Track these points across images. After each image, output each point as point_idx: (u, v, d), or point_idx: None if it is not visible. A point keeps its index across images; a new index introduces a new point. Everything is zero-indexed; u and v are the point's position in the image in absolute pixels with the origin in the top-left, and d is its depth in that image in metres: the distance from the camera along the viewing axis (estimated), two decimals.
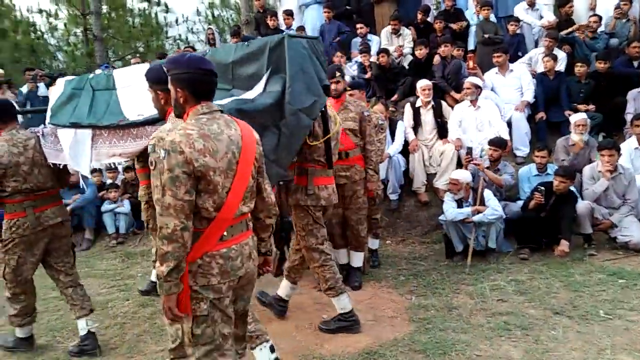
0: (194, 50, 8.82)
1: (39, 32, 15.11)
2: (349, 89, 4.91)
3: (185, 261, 1.98)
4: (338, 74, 4.25)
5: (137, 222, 6.56)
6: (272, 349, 2.85)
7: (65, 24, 15.26)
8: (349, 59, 7.76)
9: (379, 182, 4.73)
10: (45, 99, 6.23)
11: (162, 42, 16.19)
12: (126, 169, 6.80)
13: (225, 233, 2.09)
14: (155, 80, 2.68)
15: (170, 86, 2.17)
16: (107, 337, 3.79)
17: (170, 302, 2.00)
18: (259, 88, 2.85)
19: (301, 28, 8.20)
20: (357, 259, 4.48)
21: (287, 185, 4.80)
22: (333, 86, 4.20)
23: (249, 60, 2.92)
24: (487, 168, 5.11)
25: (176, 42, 16.55)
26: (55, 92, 3.67)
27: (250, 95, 2.83)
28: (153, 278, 4.36)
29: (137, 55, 13.02)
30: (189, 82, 2.10)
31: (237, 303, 2.25)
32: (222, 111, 2.19)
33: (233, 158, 2.10)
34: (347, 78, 5.46)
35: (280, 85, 2.84)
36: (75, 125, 3.42)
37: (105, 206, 6.43)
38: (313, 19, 8.62)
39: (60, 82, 3.74)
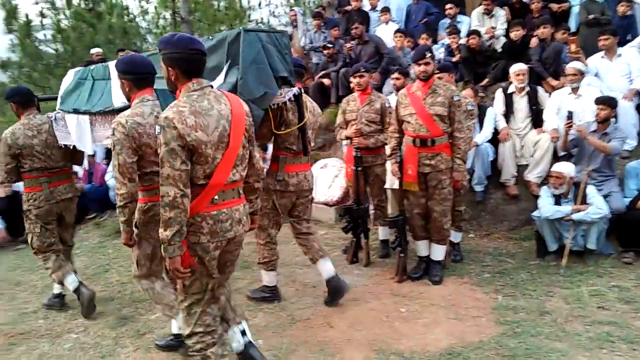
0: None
1: (131, 15, 15.82)
2: (437, 72, 4.65)
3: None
4: (428, 54, 4.01)
5: None
6: (243, 333, 2.90)
7: (155, 7, 15.88)
8: (435, 41, 7.39)
9: (465, 173, 4.44)
10: None
11: (244, 25, 16.46)
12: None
13: (216, 197, 2.31)
14: (121, 70, 2.95)
15: (162, 65, 2.34)
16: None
17: (175, 264, 2.23)
18: (220, 79, 3.05)
19: (386, 9, 7.92)
20: (439, 252, 4.25)
21: (366, 172, 4.68)
22: (422, 68, 3.99)
23: (211, 53, 3.03)
24: (594, 132, 4.62)
25: (258, 26, 16.76)
26: (65, 81, 3.99)
27: (214, 85, 2.93)
28: None
29: None
30: (179, 61, 2.28)
31: (225, 265, 2.54)
32: (212, 86, 2.39)
33: (224, 131, 2.30)
34: None
35: (235, 76, 3.03)
36: (76, 112, 3.76)
37: None
38: (399, 0, 8.29)
39: (70, 72, 4.03)
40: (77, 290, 3.86)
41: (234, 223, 2.39)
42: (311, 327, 3.49)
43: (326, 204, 6.32)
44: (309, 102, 3.83)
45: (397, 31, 7.18)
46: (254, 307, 3.86)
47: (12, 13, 12.95)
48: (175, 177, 2.16)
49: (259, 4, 16.37)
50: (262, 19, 16.69)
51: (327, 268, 3.80)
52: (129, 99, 3.03)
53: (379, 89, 6.39)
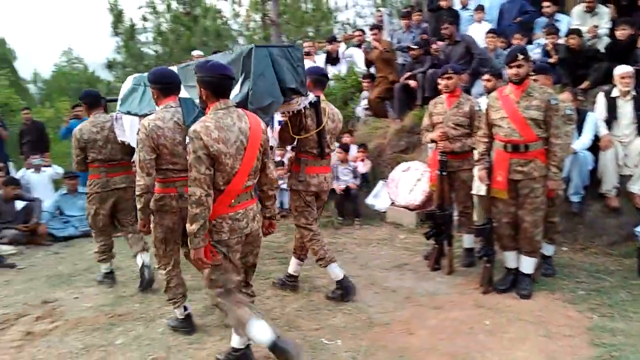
0: (363, 33, 8.84)
1: (224, 18, 16.60)
2: (532, 74, 4.43)
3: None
4: (520, 56, 3.82)
5: None
6: None
7: (246, 10, 16.53)
8: (530, 41, 7.02)
9: (561, 181, 4.19)
10: None
11: (331, 26, 16.64)
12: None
13: (233, 201, 2.72)
14: (150, 80, 3.43)
15: (197, 84, 2.79)
16: (269, 307, 3.97)
17: (199, 254, 2.64)
18: (236, 89, 3.36)
19: (480, 8, 7.64)
20: (528, 265, 4.03)
21: (451, 177, 4.55)
22: (514, 71, 3.82)
23: (230, 65, 3.29)
24: None
25: (344, 27, 16.88)
26: (125, 86, 4.46)
27: (232, 94, 3.33)
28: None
29: (308, 39, 13.50)
30: (210, 84, 2.71)
31: (247, 257, 2.95)
32: (237, 105, 2.85)
33: (241, 145, 2.69)
34: None
35: (247, 87, 3.38)
36: (129, 113, 4.23)
37: None
38: None
39: (129, 78, 4.51)
40: (141, 269, 4.45)
41: (249, 220, 2.80)
42: (390, 332, 3.46)
43: (407, 207, 6.23)
44: (328, 108, 4.02)
45: (490, 31, 6.91)
46: (333, 308, 3.89)
47: (118, 17, 14.06)
48: (201, 180, 2.58)
49: (346, 6, 16.47)
50: (348, 20, 16.79)
51: (336, 272, 4.03)
52: (157, 105, 3.47)
53: (468, 91, 6.19)
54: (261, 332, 2.68)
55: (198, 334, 3.56)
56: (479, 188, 4.61)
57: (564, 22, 6.93)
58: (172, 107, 3.36)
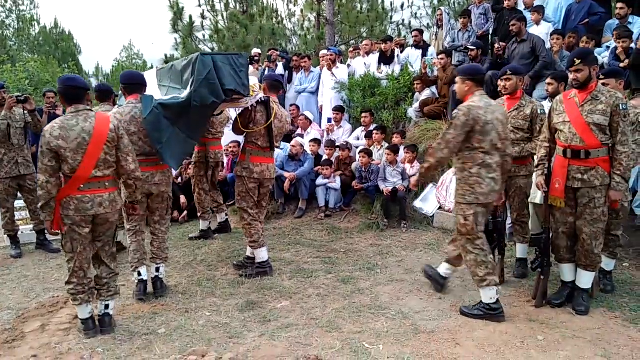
0: (420, 33, 8.62)
1: (279, 17, 16.73)
2: (602, 77, 4.16)
3: (55, 201, 3.26)
4: (577, 61, 3.60)
5: (346, 198, 6.75)
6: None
7: (301, 10, 16.57)
8: (598, 44, 6.63)
9: (626, 192, 3.91)
10: (281, 78, 6.90)
11: (385, 26, 16.42)
12: (342, 148, 7.04)
13: (82, 186, 3.29)
14: (120, 80, 4.21)
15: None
16: (310, 306, 3.92)
17: (47, 225, 3.35)
18: (189, 89, 4.10)
19: (538, 9, 7.28)
20: (586, 279, 3.78)
21: (507, 183, 4.33)
22: (572, 75, 3.62)
23: (186, 69, 4.24)
24: None
25: (398, 27, 16.62)
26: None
27: (184, 93, 4.13)
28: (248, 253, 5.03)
29: (362, 39, 13.39)
30: (61, 93, 3.40)
31: (99, 238, 3.50)
32: (91, 110, 3.42)
33: (83, 141, 3.26)
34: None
35: (192, 88, 4.06)
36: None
37: (319, 180, 6.74)
38: None
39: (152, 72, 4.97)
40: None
41: (95, 205, 3.33)
42: (435, 341, 3.32)
43: None
44: (278, 109, 4.66)
45: (555, 32, 6.58)
46: (376, 311, 3.79)
47: (178, 15, 14.41)
48: (43, 169, 3.21)
49: (401, 6, 16.21)
50: (402, 20, 16.53)
51: (262, 255, 4.64)
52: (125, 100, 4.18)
53: (529, 94, 5.90)
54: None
55: (238, 329, 3.55)
56: (535, 195, 4.39)
57: (637, 25, 6.51)
58: (132, 103, 4.05)
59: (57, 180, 3.27)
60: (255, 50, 9.71)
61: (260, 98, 4.47)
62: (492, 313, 3.61)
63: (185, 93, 4.13)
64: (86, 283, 3.47)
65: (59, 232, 3.36)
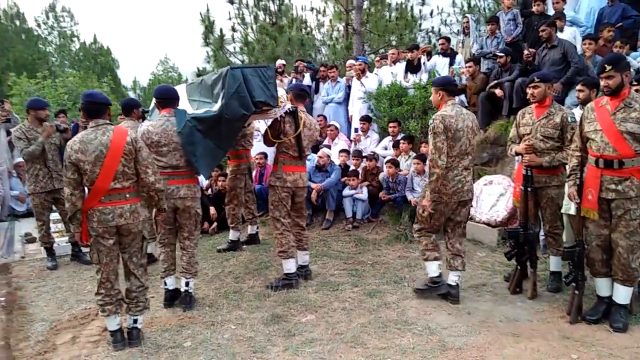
0: (447, 41, 8.52)
1: (308, 28, 16.84)
2: (635, 83, 4.01)
3: (82, 212, 3.39)
4: (608, 67, 3.47)
5: (373, 209, 6.69)
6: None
7: (330, 20, 16.64)
8: (634, 48, 6.40)
9: None
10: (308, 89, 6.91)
11: (414, 34, 16.31)
12: (369, 158, 6.99)
13: (103, 198, 3.38)
14: (154, 95, 4.42)
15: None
16: (335, 320, 3.89)
17: (77, 237, 3.48)
18: (220, 102, 4.22)
19: (560, 15, 7.05)
20: (623, 294, 3.62)
21: (538, 194, 4.21)
22: (603, 82, 3.48)
23: (215, 83, 4.38)
24: None
25: (428, 35, 16.48)
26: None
27: (216, 107, 4.26)
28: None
29: (391, 47, 13.33)
30: (83, 108, 3.60)
31: (125, 248, 3.56)
32: (110, 123, 3.52)
33: (101, 154, 3.36)
34: (631, 71, 4.43)
35: (223, 102, 4.18)
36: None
37: (346, 191, 6.71)
38: (590, 2, 7.37)
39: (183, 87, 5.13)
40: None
41: (116, 216, 3.41)
42: (463, 358, 3.22)
43: (488, 224, 5.88)
44: (306, 118, 4.70)
45: (587, 37, 6.39)
46: (402, 326, 3.72)
47: (209, 28, 14.69)
48: (67, 182, 3.36)
49: (430, 13, 16.07)
50: (432, 27, 16.37)
51: (289, 266, 4.63)
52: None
53: (561, 101, 5.75)
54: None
55: (262, 343, 3.55)
56: (568, 207, 4.24)
57: None
58: (165, 116, 4.16)
59: (81, 193, 3.40)
60: (280, 62, 9.77)
61: (288, 109, 4.55)
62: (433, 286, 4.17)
63: (216, 106, 4.25)
64: (113, 294, 3.53)
65: (88, 243, 3.47)
